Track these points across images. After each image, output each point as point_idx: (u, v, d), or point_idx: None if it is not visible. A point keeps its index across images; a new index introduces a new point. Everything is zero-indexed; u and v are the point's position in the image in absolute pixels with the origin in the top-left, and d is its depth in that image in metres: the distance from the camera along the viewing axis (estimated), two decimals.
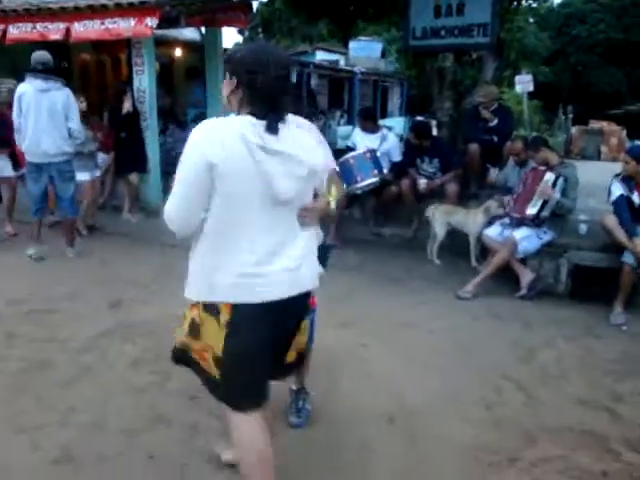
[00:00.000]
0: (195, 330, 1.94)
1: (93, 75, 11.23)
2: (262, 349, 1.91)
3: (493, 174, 5.74)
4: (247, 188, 1.77)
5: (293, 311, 1.97)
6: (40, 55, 5.41)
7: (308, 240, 1.97)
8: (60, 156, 5.47)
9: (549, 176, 4.84)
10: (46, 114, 5.35)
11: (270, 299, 1.85)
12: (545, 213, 4.87)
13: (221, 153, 1.72)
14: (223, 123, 1.79)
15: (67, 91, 5.47)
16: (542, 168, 4.97)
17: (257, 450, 1.97)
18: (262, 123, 1.78)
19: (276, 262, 1.85)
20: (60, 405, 3.04)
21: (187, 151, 1.78)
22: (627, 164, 4.58)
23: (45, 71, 5.38)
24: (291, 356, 2.09)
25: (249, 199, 1.78)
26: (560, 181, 4.82)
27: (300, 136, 1.92)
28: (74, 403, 3.06)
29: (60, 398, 3.11)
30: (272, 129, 1.78)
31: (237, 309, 1.84)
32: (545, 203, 4.82)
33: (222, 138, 1.74)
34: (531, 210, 4.87)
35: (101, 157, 7.02)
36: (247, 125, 1.77)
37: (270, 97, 1.81)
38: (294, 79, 15.01)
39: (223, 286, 1.83)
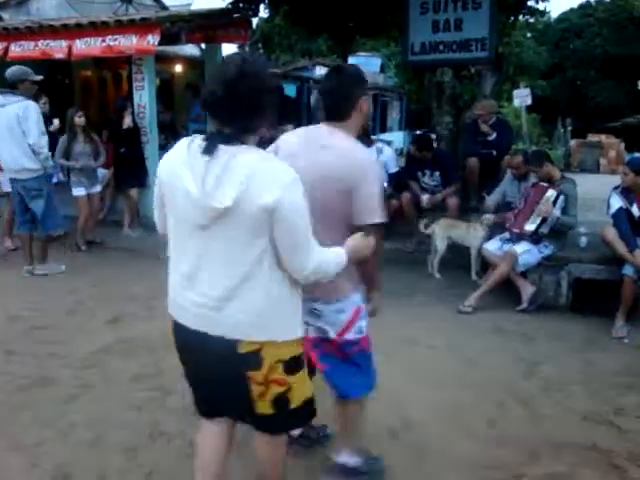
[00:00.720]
0: None
1: (94, 91, 11.31)
2: (196, 371, 1.96)
3: (489, 202, 5.69)
4: (176, 209, 1.77)
5: (215, 352, 1.79)
6: (9, 70, 5.37)
7: (250, 286, 1.73)
8: (23, 173, 5.36)
9: (550, 193, 4.82)
10: (5, 130, 5.25)
11: (182, 323, 1.86)
12: (543, 230, 4.86)
13: (164, 172, 1.80)
14: (181, 143, 1.79)
15: (25, 104, 5.23)
16: (544, 184, 4.96)
17: (200, 457, 2.09)
18: (202, 145, 1.69)
19: (190, 289, 1.79)
20: (59, 422, 3.01)
21: None
22: (626, 175, 4.58)
23: (9, 86, 5.32)
24: (262, 407, 1.85)
25: (179, 220, 1.78)
26: (561, 199, 4.80)
27: (243, 163, 1.64)
28: (74, 420, 3.04)
29: (59, 415, 3.09)
30: (206, 150, 1.66)
31: (174, 321, 1.92)
32: (544, 220, 4.81)
33: (170, 158, 1.79)
34: (529, 227, 4.85)
35: (100, 172, 7.04)
36: (189, 146, 1.73)
37: (212, 114, 1.73)
38: (293, 94, 15.10)
39: (169, 296, 1.92)
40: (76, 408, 3.16)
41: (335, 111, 2.22)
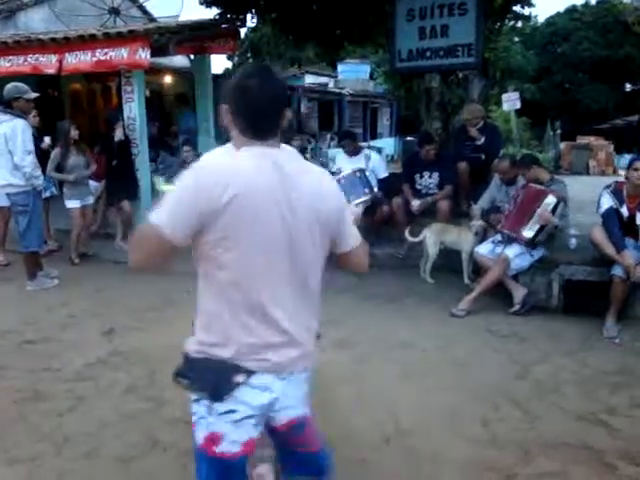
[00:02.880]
0: None
1: (84, 103, 11.33)
2: None
3: (476, 210, 5.71)
4: None
5: None
6: (5, 88, 5.43)
7: None
8: (9, 188, 5.44)
9: (550, 200, 4.76)
10: None
11: None
12: (541, 238, 4.86)
13: None
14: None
15: (13, 124, 5.32)
16: (536, 186, 4.95)
17: None
18: None
19: None
20: (55, 435, 3.01)
21: None
22: (636, 170, 4.44)
23: (4, 104, 5.39)
24: None
25: None
26: (561, 206, 4.79)
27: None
28: (69, 433, 3.04)
29: (55, 428, 3.09)
30: None
31: None
32: (543, 227, 4.80)
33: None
34: (527, 233, 4.81)
35: (93, 185, 7.03)
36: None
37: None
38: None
39: None
40: (71, 421, 3.17)
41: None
